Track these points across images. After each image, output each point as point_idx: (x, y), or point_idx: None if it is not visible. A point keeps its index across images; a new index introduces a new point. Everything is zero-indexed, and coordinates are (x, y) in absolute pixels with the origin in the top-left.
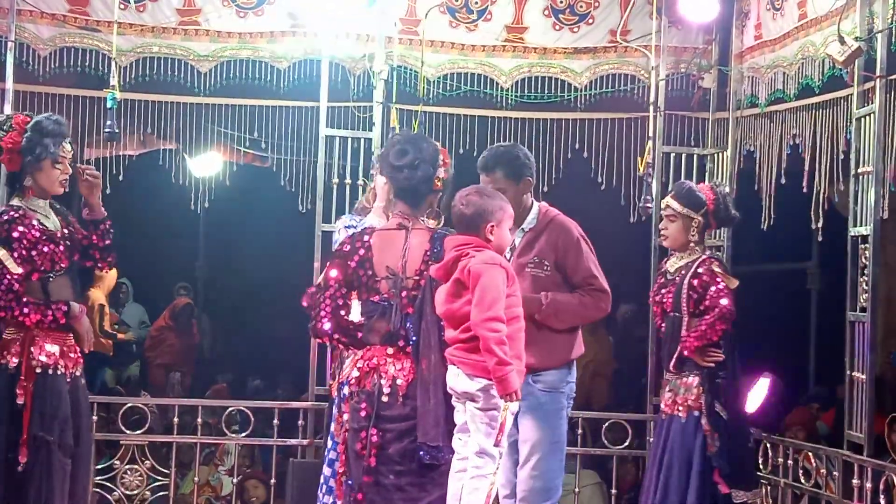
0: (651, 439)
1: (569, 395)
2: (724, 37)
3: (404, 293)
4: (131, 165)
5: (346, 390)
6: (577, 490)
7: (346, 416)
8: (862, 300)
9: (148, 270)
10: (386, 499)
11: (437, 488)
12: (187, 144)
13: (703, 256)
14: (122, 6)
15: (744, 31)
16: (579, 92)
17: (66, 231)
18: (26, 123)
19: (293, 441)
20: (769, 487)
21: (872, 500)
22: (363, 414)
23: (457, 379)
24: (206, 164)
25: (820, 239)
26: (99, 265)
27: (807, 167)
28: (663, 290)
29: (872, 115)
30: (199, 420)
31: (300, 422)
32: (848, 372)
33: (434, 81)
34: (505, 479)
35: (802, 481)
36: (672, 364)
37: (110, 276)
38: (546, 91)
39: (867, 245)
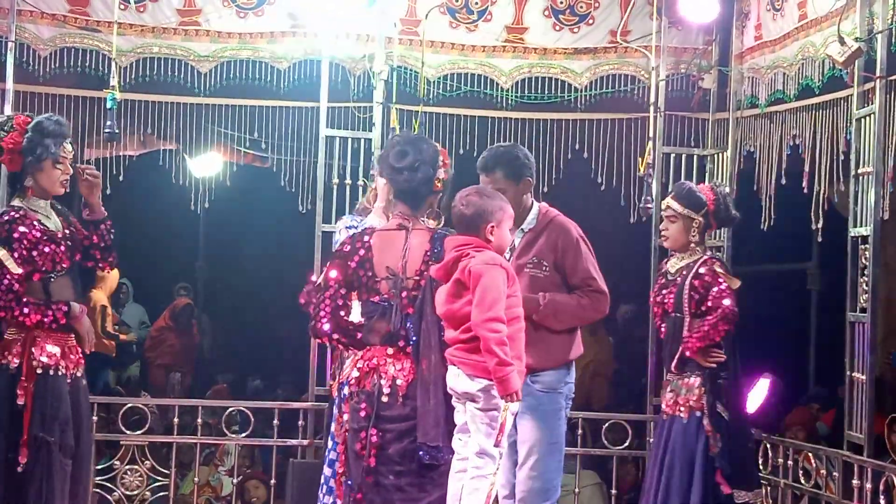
0: (651, 440)
1: (567, 395)
2: (724, 37)
3: (404, 293)
4: (131, 166)
5: (346, 390)
6: (577, 490)
7: (346, 417)
8: (862, 301)
9: (148, 271)
10: (386, 499)
11: (436, 489)
12: (187, 145)
13: (705, 257)
14: (122, 6)
15: (744, 31)
16: (579, 92)
17: (67, 231)
18: (27, 124)
19: (293, 441)
20: (769, 488)
21: (872, 501)
22: (363, 414)
23: (457, 379)
24: (207, 165)
25: (820, 239)
26: (100, 265)
27: (807, 168)
28: (664, 291)
29: (872, 115)
30: (200, 420)
31: (300, 422)
32: (848, 372)
33: (434, 82)
34: (504, 480)
35: (802, 482)
36: (674, 365)
37: (112, 277)
38: (546, 91)
39: (867, 245)
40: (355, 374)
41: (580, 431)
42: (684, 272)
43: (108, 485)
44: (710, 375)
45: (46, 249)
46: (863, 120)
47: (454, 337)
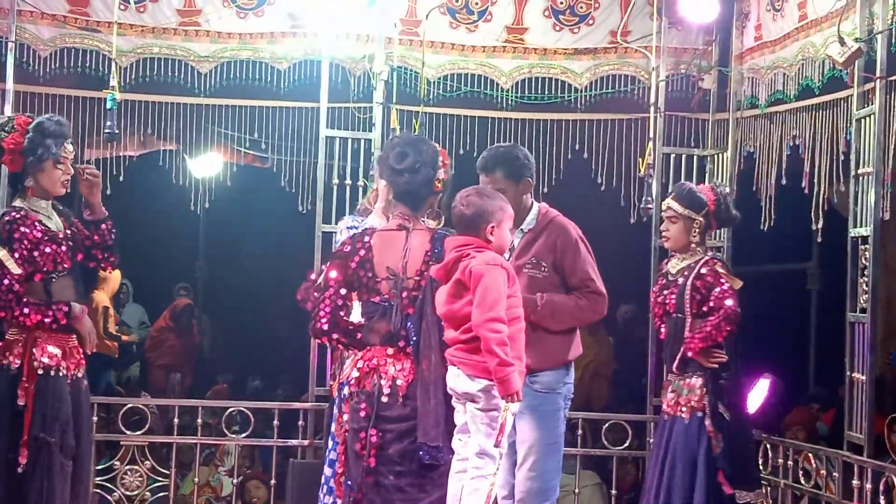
0: (651, 440)
1: (566, 395)
2: (724, 38)
3: (405, 294)
4: (131, 166)
5: (345, 391)
6: (577, 491)
7: (345, 417)
8: (862, 301)
9: (148, 271)
10: (386, 499)
11: (436, 489)
12: (187, 145)
13: (706, 257)
14: (122, 7)
15: (744, 32)
16: (579, 93)
17: (68, 232)
18: (28, 124)
19: (293, 442)
20: (769, 488)
21: (872, 501)
22: (363, 414)
23: (457, 380)
24: (207, 165)
25: (820, 239)
26: (102, 266)
27: (807, 168)
28: (665, 292)
29: (872, 115)
30: (200, 421)
31: (300, 422)
32: (848, 372)
33: (434, 82)
34: (503, 480)
35: (802, 482)
36: (675, 365)
37: (114, 278)
38: (546, 92)
39: (867, 246)
40: (355, 374)
41: (580, 432)
42: (685, 273)
43: (108, 485)
44: (712, 376)
45: (47, 250)
46: (863, 120)
47: (454, 337)
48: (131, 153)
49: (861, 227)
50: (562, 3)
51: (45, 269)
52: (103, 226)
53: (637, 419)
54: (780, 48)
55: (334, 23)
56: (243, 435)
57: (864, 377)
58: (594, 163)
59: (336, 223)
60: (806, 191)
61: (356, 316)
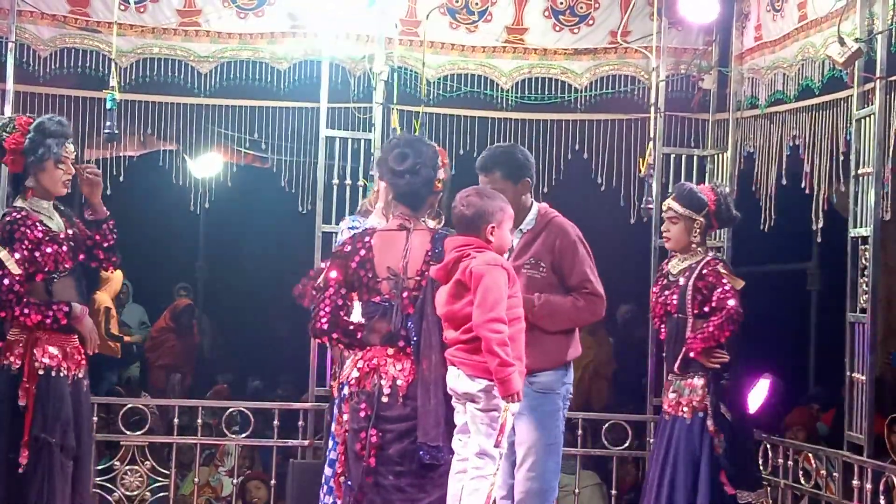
0: (651, 440)
1: (565, 396)
2: (724, 38)
3: (405, 294)
4: (131, 166)
5: (345, 391)
6: (577, 491)
7: (345, 417)
8: (862, 301)
9: (148, 271)
10: (386, 499)
11: (436, 489)
12: (187, 145)
13: (708, 258)
14: (122, 7)
15: (744, 32)
16: (579, 93)
17: (70, 232)
18: (29, 124)
19: (293, 442)
20: (769, 488)
21: (872, 501)
22: (363, 414)
23: (457, 380)
24: (207, 165)
25: (820, 239)
26: (104, 265)
27: (807, 168)
28: (666, 292)
29: (872, 116)
30: (200, 421)
31: (300, 423)
32: (848, 373)
33: (434, 82)
34: (501, 481)
35: (802, 482)
36: (677, 365)
37: (116, 279)
38: (546, 92)
39: (867, 246)
40: (355, 374)
41: (580, 432)
42: (687, 273)
43: (108, 485)
44: (714, 376)
45: (48, 250)
46: (863, 120)
47: (455, 337)
48: (131, 153)
49: (861, 227)
50: (562, 3)
51: (46, 269)
52: (105, 226)
53: (637, 419)
54: (780, 48)
55: (334, 23)
56: (243, 435)
57: (864, 377)
58: (594, 163)
59: (336, 223)
60: (807, 191)
61: (356, 316)
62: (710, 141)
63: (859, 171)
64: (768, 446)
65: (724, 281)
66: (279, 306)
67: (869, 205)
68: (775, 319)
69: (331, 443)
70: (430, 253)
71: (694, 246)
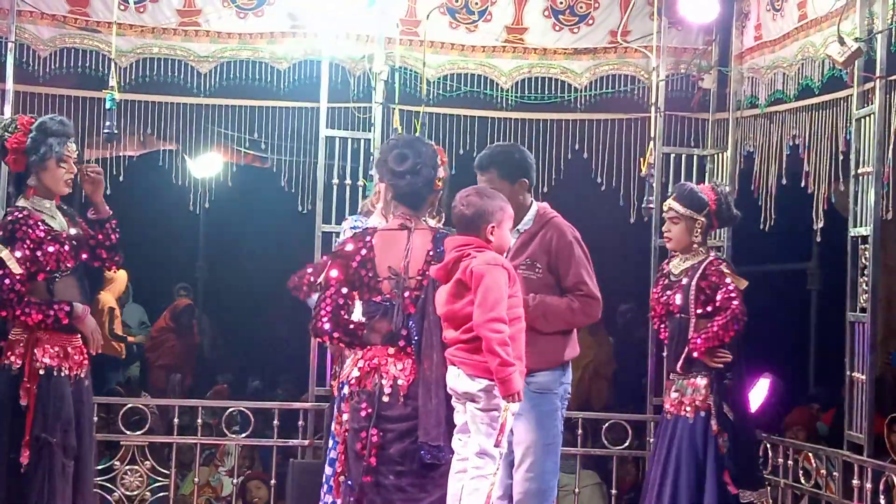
0: (651, 440)
1: (563, 396)
2: (724, 37)
3: (407, 293)
4: (131, 166)
5: (345, 390)
6: (577, 490)
7: (345, 416)
8: (862, 300)
9: (148, 271)
10: (386, 499)
11: (437, 489)
12: (187, 145)
13: (710, 258)
14: (122, 7)
15: (744, 31)
16: (579, 92)
17: (72, 231)
18: (31, 124)
19: (294, 442)
20: (769, 488)
21: (872, 501)
22: (364, 414)
23: (457, 379)
24: (206, 165)
25: (819, 239)
26: (106, 265)
27: (807, 168)
28: (668, 292)
29: (872, 115)
30: (200, 421)
31: (300, 422)
32: (848, 372)
33: (434, 82)
34: (498, 481)
35: (802, 482)
36: (680, 365)
37: (121, 279)
38: (546, 92)
39: (867, 245)
40: (356, 373)
41: (580, 431)
42: (689, 273)
43: (108, 485)
44: (717, 376)
45: (50, 249)
46: (862, 120)
47: (455, 337)
48: (131, 153)
49: (861, 226)
50: (561, 3)
51: (47, 268)
52: (107, 225)
53: (637, 419)
54: (780, 48)
55: (334, 23)
56: (243, 435)
57: (864, 377)
58: (594, 162)
59: (336, 223)
60: (809, 190)
61: (357, 315)
62: (710, 140)
63: (859, 171)
64: (768, 446)
65: (728, 281)
66: (279, 306)
67: (869, 204)
68: (775, 319)
69: (331, 442)
70: (431, 253)
71: (695, 246)
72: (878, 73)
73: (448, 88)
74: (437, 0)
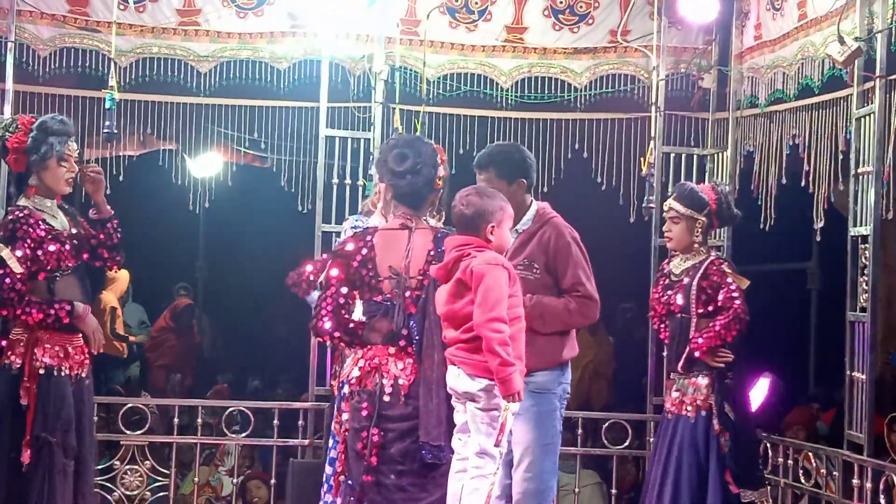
0: (651, 439)
1: (561, 396)
2: (723, 37)
3: (408, 293)
4: (131, 166)
5: (346, 389)
6: (577, 490)
7: (345, 416)
8: (862, 300)
9: (148, 271)
10: (387, 498)
11: (438, 488)
12: (187, 145)
13: (712, 257)
14: (121, 7)
15: (744, 31)
16: (579, 92)
17: (73, 231)
18: (31, 124)
19: (294, 441)
20: (769, 487)
21: (872, 500)
22: (365, 413)
23: (457, 379)
24: (206, 165)
25: (819, 239)
26: (108, 265)
27: (807, 167)
28: (669, 292)
29: (872, 115)
30: (200, 420)
31: (300, 422)
32: (848, 372)
33: (434, 82)
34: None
35: (802, 481)
36: (681, 365)
37: (123, 279)
38: (546, 91)
39: (867, 245)
40: (356, 372)
41: (580, 431)
42: (691, 273)
43: (108, 485)
44: (719, 375)
45: (51, 248)
46: (862, 119)
47: (455, 337)
48: (131, 153)
49: (861, 226)
50: (561, 2)
51: (48, 267)
52: (109, 224)
53: (637, 418)
54: (780, 47)
55: (334, 23)
56: (243, 435)
57: (864, 376)
58: (594, 162)
59: (335, 223)
60: (809, 190)
61: (358, 314)
62: (710, 140)
63: (859, 170)
64: (768, 445)
65: (730, 280)
66: (279, 306)
67: (869, 204)
68: (775, 319)
69: (331, 441)
70: (432, 252)
71: (696, 245)
72: (877, 73)
73: (448, 88)
74: (437, 0)
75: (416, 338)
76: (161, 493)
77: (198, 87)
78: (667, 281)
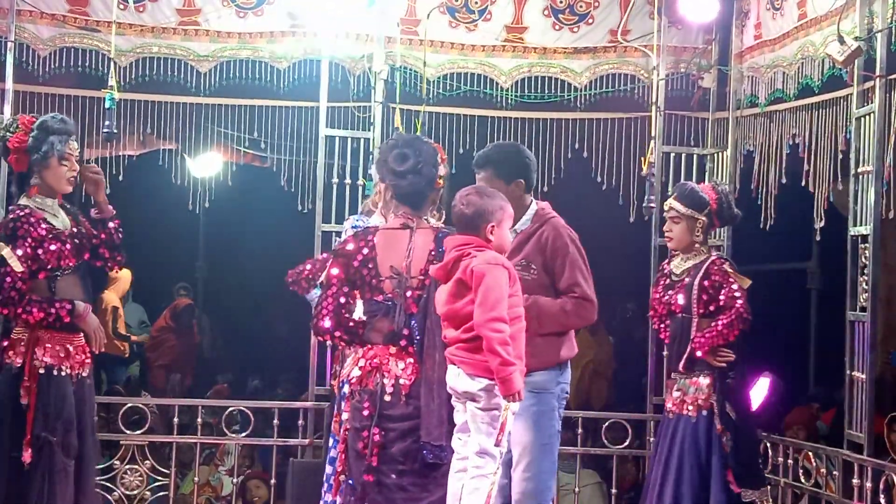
0: (652, 439)
1: (560, 395)
2: (723, 36)
3: (409, 293)
4: (131, 166)
5: (346, 389)
6: (577, 490)
7: (345, 416)
8: (862, 300)
9: (148, 271)
10: (388, 498)
11: (438, 488)
12: (187, 145)
13: (713, 257)
14: (121, 6)
15: (744, 30)
16: (579, 92)
17: (75, 230)
18: (32, 123)
19: (293, 441)
20: (770, 487)
21: (872, 500)
22: (366, 413)
23: (457, 379)
24: (206, 165)
25: (819, 238)
26: (109, 265)
27: (806, 167)
28: (670, 292)
29: (872, 114)
30: (200, 420)
31: (300, 422)
32: (848, 372)
33: (434, 81)
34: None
35: (802, 481)
36: (682, 364)
37: (125, 279)
38: (546, 91)
39: (867, 245)
40: (357, 372)
41: (580, 431)
42: (692, 272)
43: (108, 484)
44: (720, 375)
45: (52, 247)
46: (862, 119)
47: (455, 336)
48: (131, 153)
49: (861, 225)
50: (561, 2)
51: (48, 266)
52: (110, 224)
53: (637, 418)
54: (780, 47)
55: (334, 22)
56: (243, 434)
57: (864, 376)
58: (594, 162)
59: (335, 222)
60: (809, 189)
61: (358, 312)
62: (710, 140)
63: (859, 170)
64: (768, 445)
65: (731, 280)
66: (279, 306)
67: (869, 203)
68: (775, 318)
69: (331, 441)
70: (433, 252)
71: (697, 245)
72: (877, 72)
73: (448, 88)
74: (437, 0)
75: (418, 338)
76: (161, 493)
77: (198, 87)
78: (667, 281)
